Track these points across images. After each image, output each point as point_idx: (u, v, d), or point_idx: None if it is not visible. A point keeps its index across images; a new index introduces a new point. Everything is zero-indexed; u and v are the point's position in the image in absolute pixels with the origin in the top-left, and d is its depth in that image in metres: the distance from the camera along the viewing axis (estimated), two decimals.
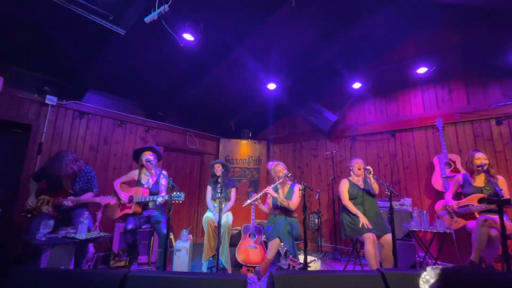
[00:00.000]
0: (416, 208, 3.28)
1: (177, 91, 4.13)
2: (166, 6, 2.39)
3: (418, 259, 3.14)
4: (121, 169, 3.87)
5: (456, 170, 3.29)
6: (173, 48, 3.05)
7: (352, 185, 3.03)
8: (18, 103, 3.08)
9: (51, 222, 2.38)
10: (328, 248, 4.40)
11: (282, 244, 2.60)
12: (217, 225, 2.64)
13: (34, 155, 3.14)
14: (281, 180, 3.10)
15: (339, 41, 3.67)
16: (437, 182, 3.42)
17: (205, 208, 4.75)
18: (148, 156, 3.08)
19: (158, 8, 2.44)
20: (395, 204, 3.34)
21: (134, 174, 3.17)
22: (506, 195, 2.53)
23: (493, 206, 2.52)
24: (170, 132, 4.64)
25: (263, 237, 3.29)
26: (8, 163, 3.08)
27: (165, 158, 4.58)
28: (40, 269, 2.07)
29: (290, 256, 2.59)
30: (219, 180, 3.40)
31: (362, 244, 2.71)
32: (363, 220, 2.74)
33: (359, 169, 3.06)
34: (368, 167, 2.82)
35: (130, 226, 2.83)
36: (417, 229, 2.88)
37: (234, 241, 3.38)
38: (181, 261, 3.02)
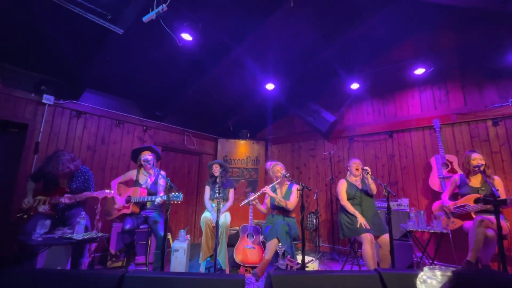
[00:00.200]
0: (413, 208, 3.29)
1: (175, 91, 4.11)
2: (164, 5, 2.39)
3: (415, 259, 3.15)
4: (118, 169, 3.85)
5: (453, 171, 3.31)
6: (171, 48, 3.05)
7: (350, 185, 3.03)
8: (14, 102, 3.06)
9: (48, 222, 2.35)
10: (326, 248, 4.41)
11: (280, 244, 2.60)
12: (215, 225, 2.64)
13: (30, 155, 3.11)
14: (279, 180, 3.09)
15: (337, 41, 3.68)
16: (434, 182, 3.44)
17: (203, 208, 4.76)
18: (146, 156, 3.07)
19: (156, 8, 2.43)
20: (393, 205, 3.35)
21: (132, 174, 3.15)
22: (502, 195, 2.56)
23: (489, 207, 2.54)
24: (168, 132, 4.62)
25: (261, 237, 3.29)
26: (4, 162, 3.06)
27: (163, 158, 4.55)
28: (36, 269, 2.05)
29: (288, 256, 2.59)
30: (218, 180, 3.40)
31: (360, 244, 2.72)
32: (361, 220, 2.75)
33: (357, 169, 3.07)
34: (366, 168, 2.85)
35: (128, 226, 2.81)
36: (414, 229, 2.90)
37: (232, 241, 3.38)
38: (178, 262, 3.01)
